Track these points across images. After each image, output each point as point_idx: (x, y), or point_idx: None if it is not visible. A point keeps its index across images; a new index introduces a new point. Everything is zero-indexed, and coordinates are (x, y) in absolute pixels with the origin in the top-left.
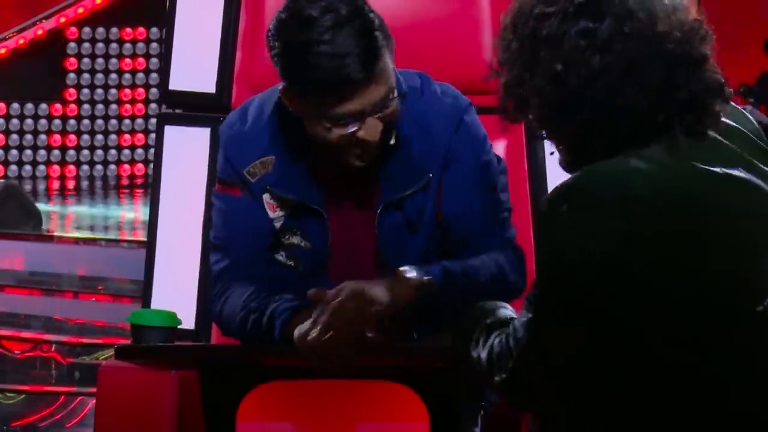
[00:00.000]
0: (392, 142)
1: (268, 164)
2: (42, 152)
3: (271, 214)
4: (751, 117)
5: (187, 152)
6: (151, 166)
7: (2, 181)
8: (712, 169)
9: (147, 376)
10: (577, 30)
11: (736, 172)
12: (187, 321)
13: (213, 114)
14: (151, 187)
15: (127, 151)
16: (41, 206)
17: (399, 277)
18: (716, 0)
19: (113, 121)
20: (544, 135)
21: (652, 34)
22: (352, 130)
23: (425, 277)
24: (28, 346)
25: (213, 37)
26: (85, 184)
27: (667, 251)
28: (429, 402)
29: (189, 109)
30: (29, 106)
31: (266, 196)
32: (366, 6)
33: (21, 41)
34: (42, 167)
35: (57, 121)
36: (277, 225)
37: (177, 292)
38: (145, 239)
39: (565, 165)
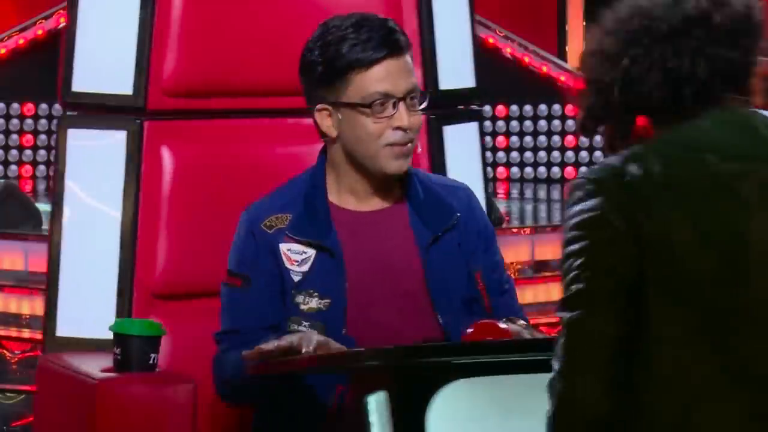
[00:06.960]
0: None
1: (284, 219)
2: (42, 152)
3: (288, 266)
4: None
5: (99, 157)
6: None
7: (2, 181)
8: None
9: (146, 391)
10: None
11: None
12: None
13: (128, 116)
14: (53, 197)
15: None
16: (41, 206)
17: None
18: None
19: None
20: None
21: None
22: (387, 114)
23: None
24: (28, 346)
25: (123, 35)
26: None
27: None
28: None
29: (98, 111)
30: (29, 106)
31: (283, 246)
32: (385, 18)
33: (21, 41)
34: (42, 167)
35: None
36: (296, 279)
37: (88, 305)
38: None
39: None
